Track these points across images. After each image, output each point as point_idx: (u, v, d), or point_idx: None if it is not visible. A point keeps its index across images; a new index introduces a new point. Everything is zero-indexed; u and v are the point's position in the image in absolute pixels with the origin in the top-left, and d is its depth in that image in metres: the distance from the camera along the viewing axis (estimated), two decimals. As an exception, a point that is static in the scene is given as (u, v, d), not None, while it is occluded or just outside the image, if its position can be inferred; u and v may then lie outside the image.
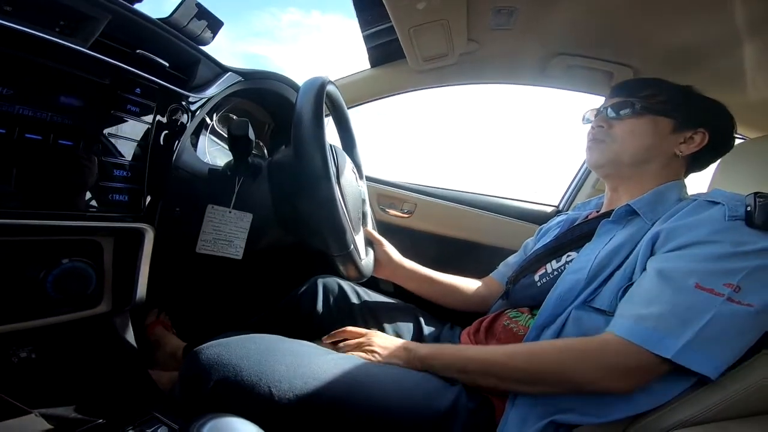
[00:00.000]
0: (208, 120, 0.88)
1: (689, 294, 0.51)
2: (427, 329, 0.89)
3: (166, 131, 0.63)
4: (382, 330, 0.87)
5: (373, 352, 0.69)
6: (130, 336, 0.71)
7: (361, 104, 1.18)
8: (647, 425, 0.54)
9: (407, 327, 0.89)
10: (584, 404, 0.57)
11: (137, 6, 0.60)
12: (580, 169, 1.37)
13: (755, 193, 0.54)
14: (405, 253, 0.96)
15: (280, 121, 1.06)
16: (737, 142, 0.82)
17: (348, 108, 0.93)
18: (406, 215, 1.30)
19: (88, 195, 0.55)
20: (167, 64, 0.66)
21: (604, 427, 0.56)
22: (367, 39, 1.02)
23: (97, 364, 0.68)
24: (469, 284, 0.96)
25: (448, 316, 0.95)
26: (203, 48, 0.71)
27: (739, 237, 0.52)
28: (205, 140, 0.89)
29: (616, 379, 0.53)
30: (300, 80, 0.70)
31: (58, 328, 0.59)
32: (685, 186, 0.71)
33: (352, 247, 0.69)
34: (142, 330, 1.05)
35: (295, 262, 1.17)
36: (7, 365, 0.58)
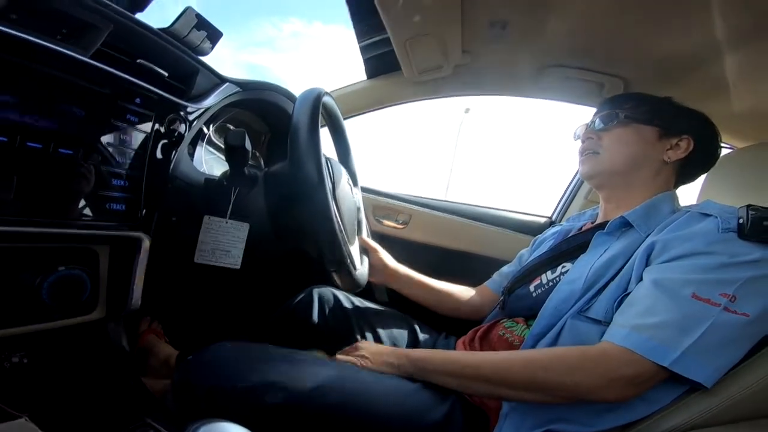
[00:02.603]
0: (205, 130, 0.88)
1: (686, 303, 0.52)
2: (422, 338, 0.90)
3: (164, 141, 0.64)
4: (378, 339, 0.87)
5: (363, 357, 0.68)
6: (124, 342, 0.71)
7: (358, 115, 1.19)
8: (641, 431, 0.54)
9: (402, 336, 0.89)
10: (578, 413, 0.57)
11: (138, 16, 0.61)
12: (572, 181, 1.38)
13: (748, 206, 0.55)
14: (400, 263, 0.96)
15: (277, 132, 1.07)
16: (726, 152, 0.83)
17: (344, 119, 0.94)
18: (402, 226, 1.31)
19: (86, 203, 0.55)
20: (166, 74, 0.66)
21: (598, 435, 0.56)
22: (364, 50, 1.04)
23: (90, 370, 0.68)
24: (463, 292, 0.97)
25: (444, 326, 0.95)
26: (202, 58, 0.72)
27: (733, 248, 0.53)
28: (201, 150, 0.90)
29: (615, 389, 0.53)
30: (300, 90, 0.71)
31: (52, 333, 0.59)
32: (677, 197, 0.72)
33: (348, 261, 0.69)
34: (135, 337, 1.04)
35: (290, 271, 1.17)
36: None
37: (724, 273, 0.52)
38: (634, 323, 0.54)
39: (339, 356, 0.71)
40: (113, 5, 0.56)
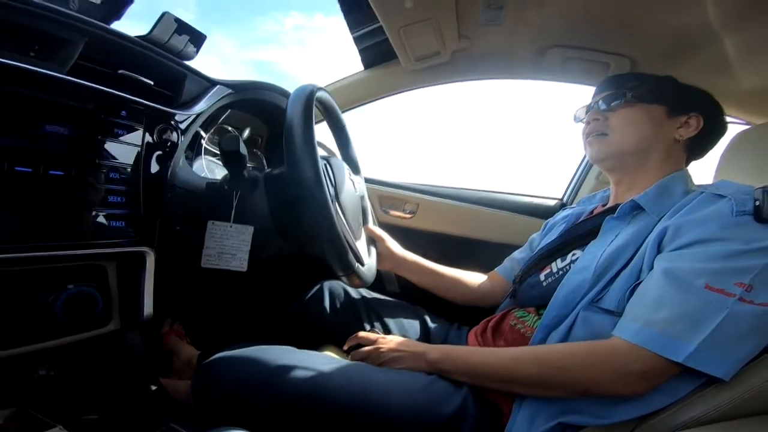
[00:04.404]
0: (202, 134, 0.88)
1: (699, 295, 0.50)
2: (434, 330, 0.89)
3: (158, 152, 0.63)
4: (388, 331, 0.87)
5: (382, 363, 0.69)
6: (143, 350, 0.73)
7: (357, 107, 1.17)
8: (656, 424, 0.53)
9: (414, 328, 0.89)
10: (592, 405, 0.56)
11: (115, 25, 0.60)
12: (582, 161, 1.34)
13: (764, 187, 0.52)
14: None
15: (276, 131, 1.06)
16: (743, 128, 0.80)
17: (343, 111, 0.93)
18: (409, 215, 1.30)
19: (85, 223, 0.55)
20: (152, 83, 0.65)
21: (612, 427, 0.55)
22: (358, 41, 1.02)
23: (113, 378, 0.70)
24: (473, 278, 0.96)
25: (455, 317, 0.94)
26: (190, 63, 0.71)
27: (749, 233, 0.51)
28: (201, 155, 0.90)
29: (626, 384, 0.52)
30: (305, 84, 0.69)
31: (73, 346, 0.60)
32: (689, 176, 0.69)
33: (355, 264, 0.69)
34: (157, 340, 1.07)
35: (299, 268, 1.18)
36: (28, 383, 0.60)
37: (739, 261, 0.49)
38: (645, 318, 0.52)
39: (358, 352, 0.72)
40: (83, 17, 0.54)
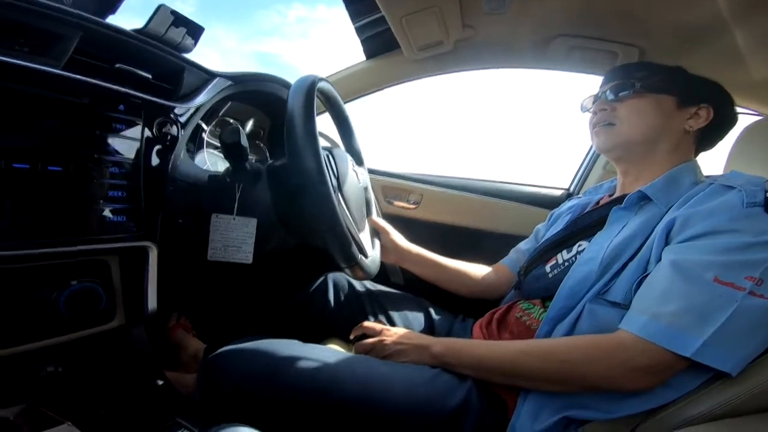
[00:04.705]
0: (204, 126, 0.87)
1: (707, 288, 0.49)
2: (438, 322, 0.89)
3: (158, 145, 0.63)
4: (392, 323, 0.87)
5: (386, 355, 0.69)
6: (148, 345, 0.73)
7: (359, 97, 1.16)
8: (661, 420, 0.52)
9: (418, 321, 0.89)
10: (597, 400, 0.56)
11: (111, 19, 0.59)
12: (589, 151, 1.32)
13: None
14: (414, 244, 0.94)
15: (279, 122, 1.05)
16: (755, 119, 0.78)
17: (346, 102, 0.91)
18: (413, 206, 1.28)
19: (86, 219, 0.55)
20: (150, 76, 0.64)
21: (616, 422, 0.55)
22: (360, 30, 1.00)
23: (120, 373, 0.70)
24: (478, 270, 0.95)
25: (460, 309, 0.94)
26: (188, 55, 0.70)
27: (759, 225, 0.49)
28: (204, 148, 0.89)
29: (633, 378, 0.52)
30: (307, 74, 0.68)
31: (79, 342, 0.61)
32: (698, 167, 0.68)
33: (358, 256, 0.68)
34: (164, 334, 1.08)
35: (304, 260, 1.17)
36: (36, 380, 0.61)
37: (749, 254, 0.48)
38: (652, 311, 0.51)
39: (362, 344, 0.72)
40: (77, 11, 0.54)
